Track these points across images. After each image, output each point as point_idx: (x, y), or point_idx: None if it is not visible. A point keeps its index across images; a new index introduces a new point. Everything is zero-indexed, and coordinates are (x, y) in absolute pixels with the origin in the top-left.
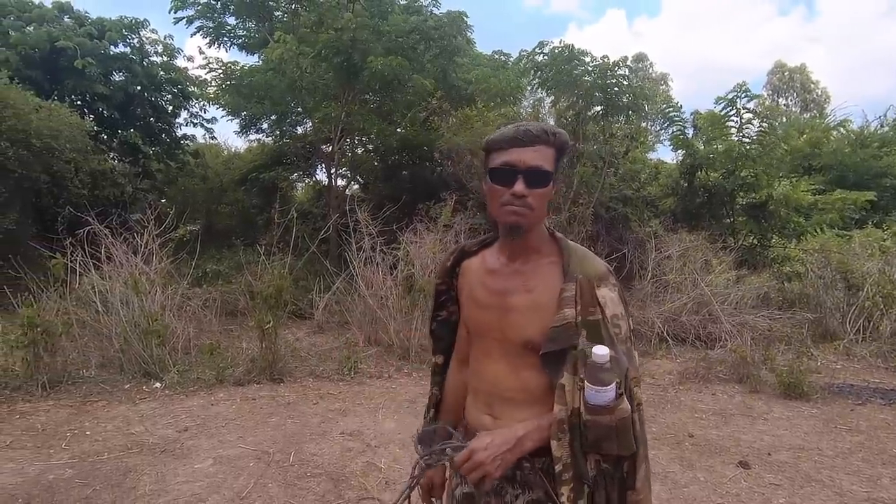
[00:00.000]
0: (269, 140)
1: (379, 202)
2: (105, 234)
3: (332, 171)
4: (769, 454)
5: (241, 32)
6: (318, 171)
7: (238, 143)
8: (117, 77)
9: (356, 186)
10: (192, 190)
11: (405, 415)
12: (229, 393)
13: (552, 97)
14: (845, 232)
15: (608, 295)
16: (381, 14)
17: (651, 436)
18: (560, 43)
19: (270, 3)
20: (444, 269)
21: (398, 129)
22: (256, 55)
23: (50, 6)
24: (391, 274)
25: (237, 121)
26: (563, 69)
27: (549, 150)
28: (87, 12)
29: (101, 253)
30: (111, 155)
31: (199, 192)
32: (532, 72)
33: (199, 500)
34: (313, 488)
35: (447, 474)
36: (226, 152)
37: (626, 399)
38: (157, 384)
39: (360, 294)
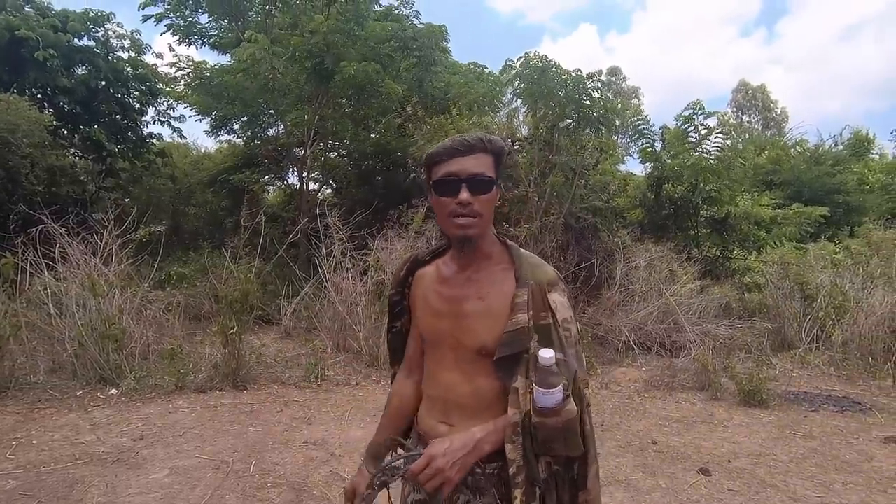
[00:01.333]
0: (240, 141)
1: (351, 207)
2: (61, 234)
3: (304, 174)
4: (729, 461)
5: (212, 31)
6: (289, 175)
7: (208, 144)
8: (80, 71)
9: (328, 191)
10: (158, 190)
11: (372, 422)
12: (189, 400)
13: (527, 107)
14: (802, 245)
15: (559, 300)
16: (356, 19)
17: (615, 443)
18: (535, 54)
19: (244, 2)
20: (398, 279)
21: (372, 135)
22: (228, 55)
23: None
24: (361, 280)
25: (207, 121)
26: (538, 80)
27: (487, 157)
28: (49, 3)
29: (55, 253)
30: (72, 151)
31: (165, 192)
32: (515, 81)
33: None
34: (273, 499)
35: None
36: (195, 152)
37: (572, 401)
38: (113, 390)
39: (329, 300)
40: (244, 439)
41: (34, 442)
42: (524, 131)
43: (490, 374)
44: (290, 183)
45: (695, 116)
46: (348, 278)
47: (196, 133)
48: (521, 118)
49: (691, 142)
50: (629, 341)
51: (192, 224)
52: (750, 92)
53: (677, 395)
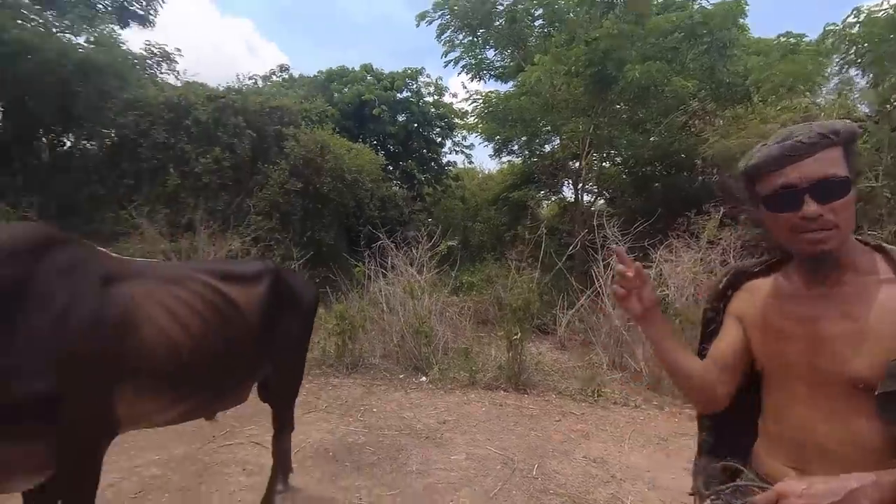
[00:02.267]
0: (518, 161)
1: (630, 217)
2: (391, 248)
3: (579, 186)
4: None
5: (497, 63)
6: (563, 188)
7: (491, 166)
8: (401, 118)
9: (601, 202)
10: (452, 209)
11: (655, 452)
12: (479, 395)
13: (869, 77)
14: None
15: None
16: (636, 18)
17: None
18: (884, 3)
19: (525, 30)
20: (716, 292)
21: (651, 139)
22: (510, 83)
23: (358, 69)
24: None
25: (491, 145)
26: (887, 38)
27: (833, 152)
28: (382, 69)
29: (387, 263)
30: (395, 183)
31: (458, 211)
32: (843, 48)
33: (454, 489)
34: None
35: None
36: (480, 175)
37: None
38: (423, 378)
39: (605, 313)
40: (526, 441)
41: (374, 410)
42: (864, 109)
43: (868, 414)
44: (563, 196)
45: None
46: None
47: (482, 157)
48: (855, 93)
49: None
50: None
51: (477, 238)
52: None
53: None
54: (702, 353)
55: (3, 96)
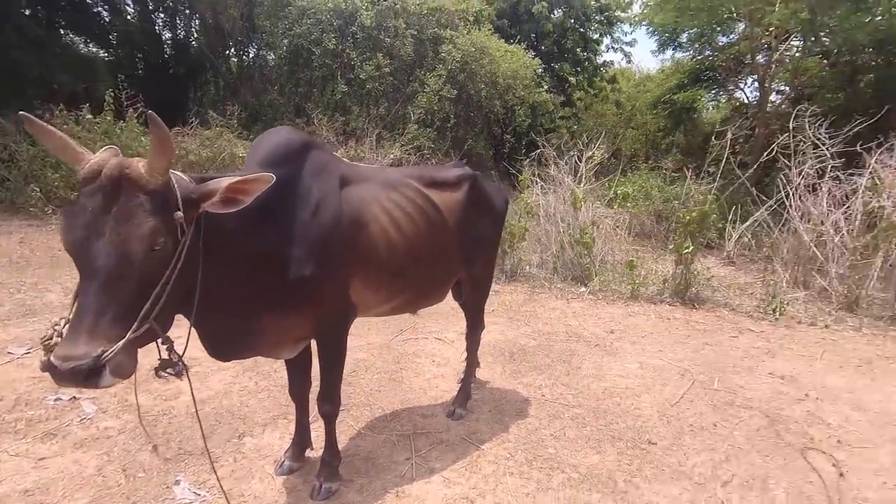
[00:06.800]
0: (686, 57)
1: (831, 117)
2: (550, 157)
3: (766, 83)
4: None
5: None
6: (745, 87)
7: (651, 65)
8: (556, 14)
9: (786, 103)
10: (604, 115)
11: (857, 375)
12: (643, 308)
13: None
14: None
15: None
16: None
17: None
18: None
19: None
20: None
21: (872, 19)
22: None
23: None
24: (842, 206)
25: (657, 40)
26: None
27: None
28: None
29: (543, 172)
30: (545, 89)
31: (610, 117)
32: None
33: (633, 395)
34: (745, 420)
35: None
36: (637, 76)
37: None
38: (583, 288)
39: (790, 228)
40: (702, 355)
41: (539, 316)
42: None
43: None
44: (739, 97)
45: None
46: (822, 203)
47: (641, 55)
48: None
49: None
50: None
51: (629, 147)
52: None
53: None
54: None
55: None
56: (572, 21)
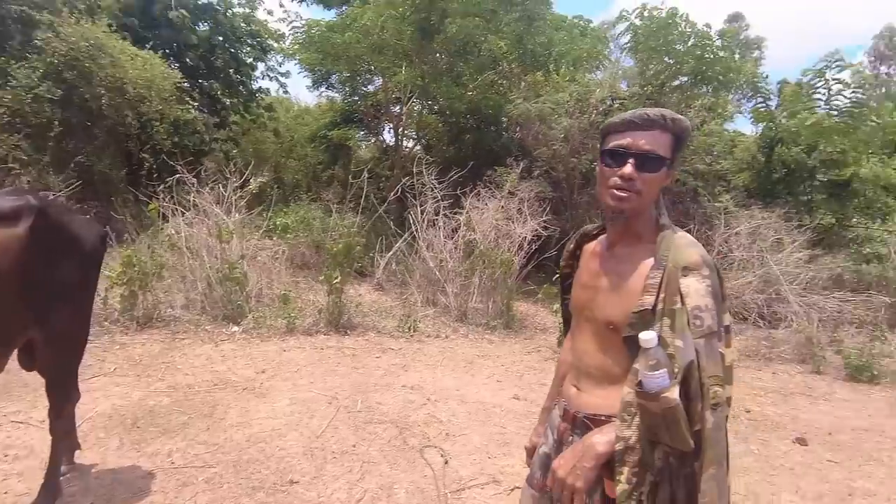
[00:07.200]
0: (338, 97)
1: (445, 165)
2: (192, 184)
3: (400, 131)
4: (830, 434)
5: None
6: (384, 132)
7: (308, 98)
8: (202, 27)
9: (418, 148)
10: (263, 143)
11: (462, 374)
12: (299, 341)
13: (637, 63)
14: None
15: (693, 286)
16: None
17: None
18: (662, 3)
19: None
20: (568, 252)
21: (468, 93)
22: (334, 10)
23: None
24: (452, 238)
25: (309, 76)
26: (656, 32)
27: (665, 136)
28: None
29: (186, 200)
30: (194, 105)
31: (269, 145)
32: (627, 34)
33: (279, 436)
34: (380, 434)
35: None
36: (296, 107)
37: (676, 390)
38: (235, 328)
39: (421, 256)
40: (350, 379)
41: (179, 367)
42: (623, 87)
43: (619, 350)
44: (383, 139)
45: (827, 70)
46: (440, 236)
47: (298, 88)
48: (623, 75)
49: (819, 98)
50: None
51: (291, 177)
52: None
53: (774, 367)
54: (563, 303)
55: None
56: (221, 39)
